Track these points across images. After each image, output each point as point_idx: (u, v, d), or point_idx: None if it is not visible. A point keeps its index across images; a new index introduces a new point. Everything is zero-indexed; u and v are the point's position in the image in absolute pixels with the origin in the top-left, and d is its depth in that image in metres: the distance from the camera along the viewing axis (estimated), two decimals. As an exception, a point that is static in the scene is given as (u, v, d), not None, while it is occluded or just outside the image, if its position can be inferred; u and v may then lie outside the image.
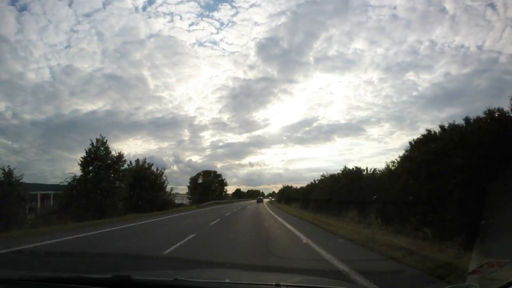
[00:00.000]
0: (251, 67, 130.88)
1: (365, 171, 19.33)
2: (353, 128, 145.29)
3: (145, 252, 7.49)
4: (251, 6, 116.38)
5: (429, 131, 11.89)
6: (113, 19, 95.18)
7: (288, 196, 54.29)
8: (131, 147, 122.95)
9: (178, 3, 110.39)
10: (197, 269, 5.10)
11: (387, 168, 15.34)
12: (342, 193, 18.70)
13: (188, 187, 64.43)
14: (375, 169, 18.66)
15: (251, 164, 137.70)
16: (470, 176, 8.23)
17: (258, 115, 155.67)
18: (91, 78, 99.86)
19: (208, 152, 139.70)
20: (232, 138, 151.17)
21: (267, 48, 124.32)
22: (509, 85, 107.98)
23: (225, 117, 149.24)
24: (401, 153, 14.18)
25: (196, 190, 62.78)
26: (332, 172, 24.11)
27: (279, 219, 19.25)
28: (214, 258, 6.84)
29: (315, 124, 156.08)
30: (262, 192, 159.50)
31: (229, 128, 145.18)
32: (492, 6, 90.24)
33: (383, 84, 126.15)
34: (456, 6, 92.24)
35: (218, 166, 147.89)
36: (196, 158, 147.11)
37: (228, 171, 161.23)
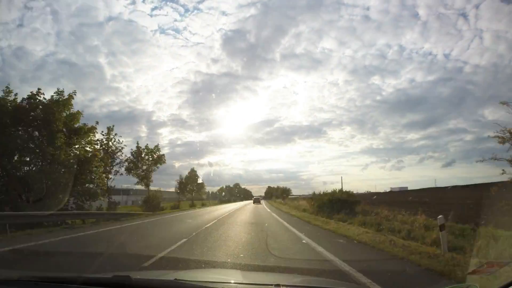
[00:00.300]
0: (215, 61, 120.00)
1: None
2: (315, 131, 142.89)
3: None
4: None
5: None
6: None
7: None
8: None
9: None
10: (197, 269, 5.10)
11: None
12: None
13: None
14: None
15: (210, 164, 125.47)
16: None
17: (219, 113, 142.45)
18: (44, 64, 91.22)
19: (166, 150, 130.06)
20: (191, 136, 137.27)
21: (233, 41, 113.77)
22: (470, 95, 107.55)
23: (185, 113, 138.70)
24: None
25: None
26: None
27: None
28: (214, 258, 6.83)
29: (276, 125, 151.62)
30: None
31: (189, 126, 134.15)
32: (464, 15, 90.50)
33: (348, 86, 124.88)
34: (429, 12, 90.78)
35: (176, 166, 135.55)
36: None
37: (186, 171, 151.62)
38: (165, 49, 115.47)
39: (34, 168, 16.60)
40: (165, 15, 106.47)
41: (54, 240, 9.65)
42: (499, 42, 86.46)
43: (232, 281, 2.46)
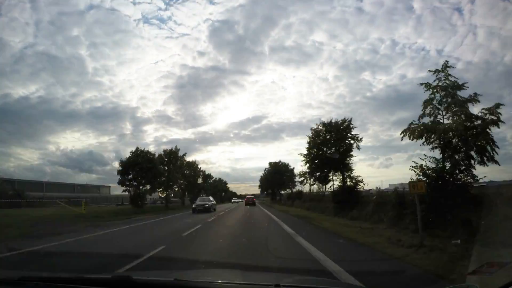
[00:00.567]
0: (201, 54, 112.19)
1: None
2: (303, 128, 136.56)
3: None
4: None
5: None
6: (50, -17, 77.37)
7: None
8: (68, 141, 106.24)
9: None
10: (197, 269, 5.10)
11: None
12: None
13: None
14: None
15: (197, 162, 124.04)
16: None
17: (206, 109, 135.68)
18: (23, 56, 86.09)
19: (151, 148, 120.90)
20: (177, 133, 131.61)
21: (220, 32, 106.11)
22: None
23: (170, 109, 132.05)
24: None
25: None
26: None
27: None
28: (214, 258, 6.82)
29: (264, 122, 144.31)
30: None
31: (174, 123, 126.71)
32: (459, 10, 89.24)
33: (338, 82, 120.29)
34: (424, 5, 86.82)
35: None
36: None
37: None
38: (149, 40, 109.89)
39: None
40: (149, 3, 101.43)
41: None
42: (493, 38, 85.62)
43: (232, 281, 2.46)
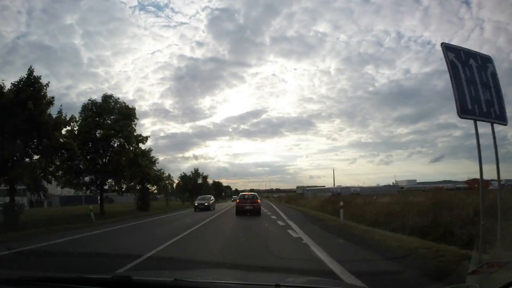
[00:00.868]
0: (200, 44, 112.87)
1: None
2: (303, 123, 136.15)
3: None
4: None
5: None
6: (41, -32, 72.09)
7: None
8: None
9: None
10: (197, 269, 5.09)
11: None
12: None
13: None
14: None
15: (195, 157, 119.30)
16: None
17: (204, 102, 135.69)
18: (15, 47, 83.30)
19: (149, 142, 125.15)
20: (175, 127, 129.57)
21: (219, 21, 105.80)
22: None
23: (168, 103, 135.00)
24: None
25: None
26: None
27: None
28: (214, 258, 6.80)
29: (264, 116, 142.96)
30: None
31: (172, 116, 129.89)
32: (467, 3, 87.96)
33: (340, 75, 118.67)
34: None
35: (160, 159, 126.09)
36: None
37: (171, 164, 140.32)
38: (146, 29, 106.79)
39: None
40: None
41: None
42: (499, 34, 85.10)
43: (232, 281, 2.46)
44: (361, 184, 78.79)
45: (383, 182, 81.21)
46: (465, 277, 3.54)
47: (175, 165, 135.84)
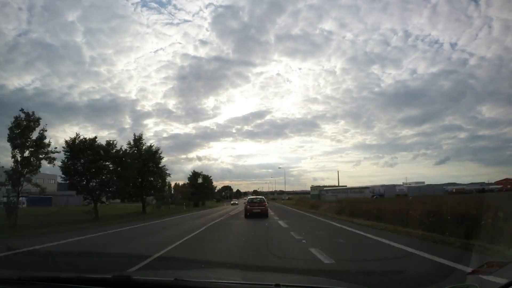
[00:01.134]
0: (204, 43, 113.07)
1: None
2: (307, 124, 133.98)
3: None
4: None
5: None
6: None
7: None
8: (67, 135, 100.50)
9: None
10: (197, 269, 5.09)
11: None
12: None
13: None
14: None
15: (199, 158, 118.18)
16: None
17: (208, 103, 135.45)
18: (16, 45, 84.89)
19: (152, 143, 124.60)
20: (178, 128, 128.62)
21: (224, 19, 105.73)
22: (471, 90, 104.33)
23: (171, 103, 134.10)
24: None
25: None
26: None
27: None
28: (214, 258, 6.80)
29: (268, 117, 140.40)
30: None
31: (175, 117, 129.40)
32: (476, 0, 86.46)
33: (346, 75, 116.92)
34: None
35: (164, 160, 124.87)
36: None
37: (174, 166, 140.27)
38: (148, 27, 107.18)
39: None
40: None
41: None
42: (508, 33, 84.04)
43: (232, 281, 2.45)
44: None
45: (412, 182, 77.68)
46: (465, 277, 3.54)
47: (178, 166, 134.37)
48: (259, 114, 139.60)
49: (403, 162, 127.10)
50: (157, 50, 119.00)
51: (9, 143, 14.51)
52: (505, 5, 77.38)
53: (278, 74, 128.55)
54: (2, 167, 17.52)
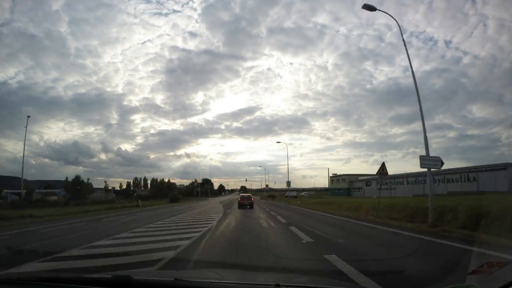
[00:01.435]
0: (193, 35, 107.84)
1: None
2: (297, 121, 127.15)
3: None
4: None
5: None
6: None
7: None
8: (52, 131, 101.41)
9: None
10: (197, 269, 5.09)
11: None
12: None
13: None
14: None
15: (187, 155, 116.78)
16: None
17: (197, 98, 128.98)
18: None
19: (139, 140, 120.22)
20: (166, 124, 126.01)
21: (214, 10, 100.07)
22: (462, 88, 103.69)
23: (159, 97, 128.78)
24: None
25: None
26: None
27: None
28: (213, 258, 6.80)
29: (257, 113, 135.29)
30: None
31: (163, 112, 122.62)
32: None
33: (338, 71, 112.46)
34: None
35: (151, 157, 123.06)
36: (126, 147, 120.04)
37: (162, 163, 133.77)
38: (135, 17, 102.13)
39: None
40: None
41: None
42: (502, 32, 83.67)
43: (232, 281, 2.45)
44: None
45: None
46: (465, 277, 3.54)
47: (166, 163, 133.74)
48: (249, 110, 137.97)
49: (392, 160, 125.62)
50: (144, 42, 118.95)
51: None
52: (501, 3, 77.28)
53: (269, 69, 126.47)
54: None
